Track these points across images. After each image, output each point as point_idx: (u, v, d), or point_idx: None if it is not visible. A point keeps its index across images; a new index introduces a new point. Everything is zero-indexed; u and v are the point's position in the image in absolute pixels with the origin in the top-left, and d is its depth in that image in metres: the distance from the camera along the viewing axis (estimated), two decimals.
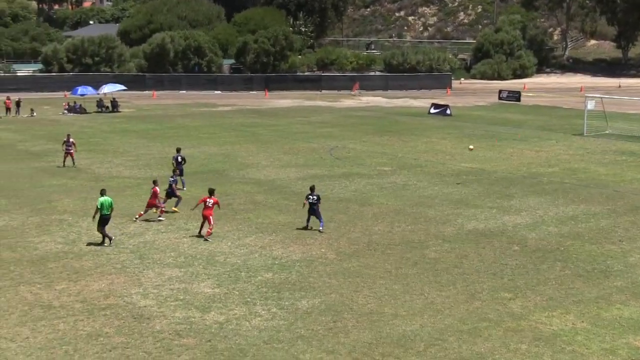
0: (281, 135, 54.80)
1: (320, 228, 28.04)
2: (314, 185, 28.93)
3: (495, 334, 18.59)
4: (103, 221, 25.61)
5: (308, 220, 28.37)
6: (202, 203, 26.98)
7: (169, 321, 18.95)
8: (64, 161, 40.76)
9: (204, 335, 18.13)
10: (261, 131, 57.01)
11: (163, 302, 20.31)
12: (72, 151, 40.77)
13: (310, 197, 28.11)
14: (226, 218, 29.65)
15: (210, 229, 26.86)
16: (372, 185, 36.56)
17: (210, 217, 26.82)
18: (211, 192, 27.31)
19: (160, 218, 29.23)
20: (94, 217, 25.87)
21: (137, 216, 29.12)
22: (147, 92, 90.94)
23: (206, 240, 26.50)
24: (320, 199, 28.40)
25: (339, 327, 18.87)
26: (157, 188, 28.86)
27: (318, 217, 28.15)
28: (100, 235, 25.74)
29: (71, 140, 41.14)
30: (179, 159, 35.31)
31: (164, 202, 29.78)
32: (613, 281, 22.89)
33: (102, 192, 26.11)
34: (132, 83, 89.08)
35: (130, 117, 66.82)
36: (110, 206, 25.73)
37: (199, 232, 27.16)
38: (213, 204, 26.95)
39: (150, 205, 29.03)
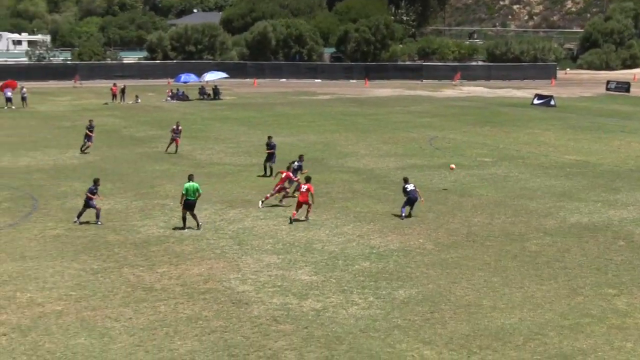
0: (380, 124, 54.67)
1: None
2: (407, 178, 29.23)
3: (599, 331, 18.11)
4: (187, 206, 25.93)
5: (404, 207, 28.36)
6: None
7: (266, 307, 19.18)
8: (168, 147, 41.73)
9: (300, 322, 18.28)
10: (361, 120, 57.02)
11: (261, 288, 20.57)
12: (177, 138, 41.70)
13: (408, 186, 28.18)
14: (324, 206, 29.79)
15: (310, 213, 27.64)
16: (472, 176, 36.11)
17: (307, 202, 27.33)
18: (308, 180, 27.86)
19: (282, 203, 29.55)
20: (180, 202, 26.30)
21: (263, 199, 29.51)
22: (248, 80, 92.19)
23: (307, 219, 27.42)
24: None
25: (436, 318, 18.73)
26: (290, 173, 29.47)
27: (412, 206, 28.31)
28: (182, 219, 26.16)
29: (180, 127, 42.08)
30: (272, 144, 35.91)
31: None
32: None
33: (190, 178, 26.46)
34: (234, 71, 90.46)
35: (231, 104, 67.88)
36: (196, 191, 25.94)
37: (292, 218, 27.47)
38: (307, 190, 27.40)
39: (279, 190, 29.36)
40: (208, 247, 24.11)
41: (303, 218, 27.49)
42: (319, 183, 33.98)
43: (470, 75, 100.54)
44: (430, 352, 16.80)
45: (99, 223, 26.48)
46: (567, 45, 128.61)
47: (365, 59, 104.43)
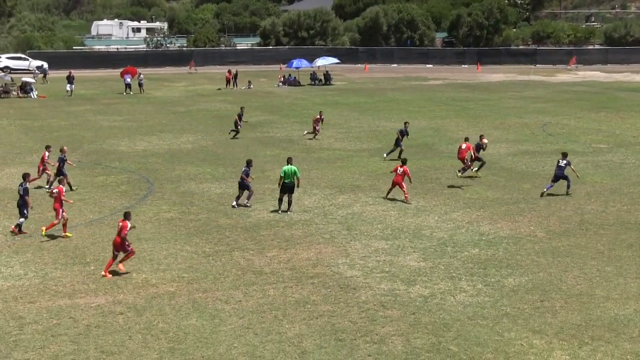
0: (492, 110, 53.80)
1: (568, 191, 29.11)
2: (566, 152, 29.74)
3: None
4: (285, 188, 26.28)
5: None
6: (394, 172, 28.29)
7: (374, 292, 19.19)
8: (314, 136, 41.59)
9: (408, 308, 18.22)
10: (472, 106, 56.25)
11: (369, 273, 20.59)
12: (318, 128, 41.55)
13: (561, 161, 28.86)
14: (434, 192, 29.57)
15: (407, 196, 28.03)
16: (586, 163, 35.12)
17: (401, 183, 27.88)
18: (404, 162, 28.51)
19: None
20: (278, 184, 26.70)
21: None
22: (359, 65, 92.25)
23: (406, 203, 27.82)
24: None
25: (546, 307, 18.34)
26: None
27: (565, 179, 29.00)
28: (278, 201, 26.57)
29: (322, 117, 42.35)
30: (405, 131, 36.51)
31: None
32: None
33: (288, 161, 26.81)
34: (345, 56, 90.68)
35: (342, 89, 68.06)
36: (294, 174, 26.20)
37: (386, 196, 28.32)
38: (402, 172, 27.87)
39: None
40: (317, 232, 24.29)
41: (402, 199, 28.11)
42: (429, 169, 33.79)
43: (587, 59, 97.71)
44: (540, 342, 16.47)
45: (248, 205, 27.09)
46: None
47: (477, 43, 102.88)
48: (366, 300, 18.66)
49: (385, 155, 35.97)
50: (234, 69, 73.88)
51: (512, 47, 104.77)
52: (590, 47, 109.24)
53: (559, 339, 16.59)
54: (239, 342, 16.38)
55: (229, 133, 42.58)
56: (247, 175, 27.18)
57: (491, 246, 22.99)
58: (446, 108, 54.85)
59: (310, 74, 74.35)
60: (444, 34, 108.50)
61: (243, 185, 27.22)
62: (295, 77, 72.97)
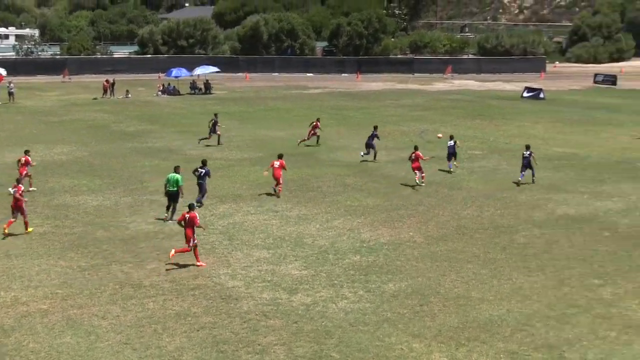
0: (372, 118, 54.59)
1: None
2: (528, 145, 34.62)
3: (584, 321, 18.16)
4: (169, 196, 26.38)
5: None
6: (272, 167, 30.28)
7: (256, 302, 19.15)
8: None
9: (290, 317, 18.26)
10: (352, 114, 56.98)
11: (251, 283, 20.54)
12: (313, 132, 42.29)
13: (525, 153, 32.58)
14: (315, 200, 29.78)
15: (280, 189, 30.16)
16: (462, 169, 36.11)
17: (280, 177, 30.01)
18: (280, 156, 30.62)
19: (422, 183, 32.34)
20: (164, 192, 26.78)
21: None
22: (240, 74, 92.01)
23: (278, 196, 29.87)
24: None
25: (425, 311, 18.74)
26: (419, 153, 32.34)
27: (531, 168, 32.63)
28: (165, 208, 26.85)
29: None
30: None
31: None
32: None
33: (175, 169, 26.83)
34: (226, 65, 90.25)
35: (222, 99, 67.75)
36: (177, 183, 26.18)
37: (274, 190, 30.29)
38: (279, 166, 29.91)
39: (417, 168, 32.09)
40: (198, 243, 24.03)
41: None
42: (310, 177, 34.01)
43: (461, 68, 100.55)
44: (419, 345, 16.82)
45: (199, 205, 27.47)
46: (556, 39, 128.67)
47: (357, 52, 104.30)
48: (248, 310, 18.60)
49: (362, 154, 38.13)
50: (111, 77, 72.38)
51: (390, 57, 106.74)
52: (465, 56, 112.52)
53: (438, 342, 16.98)
54: (117, 358, 16.02)
55: (199, 142, 42.53)
56: (209, 175, 28.41)
57: (372, 253, 23.33)
58: (327, 116, 55.29)
59: (190, 83, 73.67)
60: (325, 43, 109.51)
61: (202, 186, 28.14)
62: (174, 86, 72.15)
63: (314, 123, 42.82)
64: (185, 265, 21.76)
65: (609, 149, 42.17)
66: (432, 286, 20.47)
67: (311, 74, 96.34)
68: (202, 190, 28.36)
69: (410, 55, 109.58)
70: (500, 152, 40.78)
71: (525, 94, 71.16)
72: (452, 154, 35.30)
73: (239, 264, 22.04)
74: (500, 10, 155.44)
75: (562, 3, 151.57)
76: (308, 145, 42.07)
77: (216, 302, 19.11)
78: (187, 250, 21.94)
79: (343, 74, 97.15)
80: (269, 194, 30.50)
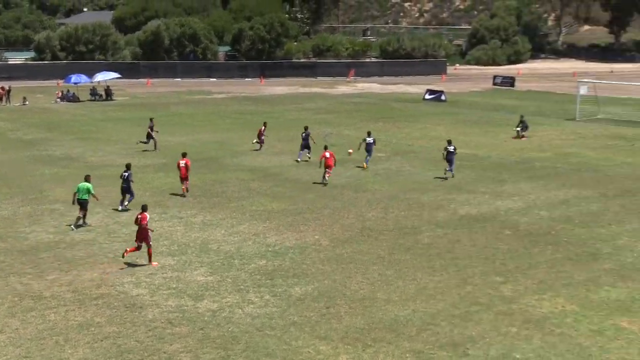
0: (276, 122, 54.66)
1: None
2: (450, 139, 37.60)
3: (487, 318, 18.61)
4: (80, 204, 26.41)
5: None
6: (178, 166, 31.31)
7: (161, 310, 18.91)
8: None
9: (196, 324, 18.10)
10: (256, 118, 56.85)
11: (156, 290, 20.27)
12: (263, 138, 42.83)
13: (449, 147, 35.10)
14: (220, 206, 29.62)
15: (185, 187, 31.17)
16: (366, 172, 36.50)
17: (186, 175, 31.10)
18: (184, 155, 31.57)
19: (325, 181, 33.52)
20: (72, 201, 26.59)
21: (326, 176, 33.54)
22: (141, 80, 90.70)
23: (183, 195, 30.85)
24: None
25: (331, 313, 18.86)
26: (332, 152, 34.08)
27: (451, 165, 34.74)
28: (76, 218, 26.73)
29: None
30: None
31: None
32: (602, 264, 22.97)
33: (85, 178, 26.82)
34: (127, 71, 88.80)
35: (124, 105, 66.67)
36: (88, 191, 26.22)
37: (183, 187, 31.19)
38: (185, 164, 30.95)
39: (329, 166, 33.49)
40: (101, 252, 23.62)
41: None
42: (214, 183, 33.81)
43: (364, 71, 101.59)
44: (326, 347, 16.91)
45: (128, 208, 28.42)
46: (456, 42, 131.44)
47: (260, 57, 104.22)
48: (153, 318, 18.35)
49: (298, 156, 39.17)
50: (6, 84, 70.28)
51: (293, 61, 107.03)
52: (367, 60, 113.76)
53: (344, 344, 17.11)
54: None
55: (137, 143, 42.80)
56: (131, 179, 28.79)
57: (278, 257, 23.34)
58: (230, 121, 55.15)
59: (90, 89, 72.18)
60: (227, 48, 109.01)
61: (127, 190, 28.59)
62: (74, 93, 70.56)
63: (262, 128, 43.28)
64: (88, 275, 21.31)
65: (508, 149, 43.32)
66: (338, 288, 20.61)
67: (214, 79, 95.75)
68: (128, 193, 28.83)
69: (313, 59, 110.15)
70: (403, 154, 41.39)
71: (427, 96, 72.42)
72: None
73: (143, 272, 21.73)
74: (401, 14, 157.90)
75: (461, 7, 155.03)
76: (256, 150, 42.52)
77: (120, 311, 18.79)
78: (135, 250, 22.58)
79: (246, 79, 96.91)
80: (176, 195, 30.21)
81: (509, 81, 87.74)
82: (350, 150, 39.34)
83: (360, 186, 33.37)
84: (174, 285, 20.66)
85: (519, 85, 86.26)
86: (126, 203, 28.77)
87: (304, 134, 39.22)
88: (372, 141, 37.07)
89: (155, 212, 28.39)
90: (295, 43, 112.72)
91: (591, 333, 17.82)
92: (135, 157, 40.11)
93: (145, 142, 42.77)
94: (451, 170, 35.02)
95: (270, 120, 55.34)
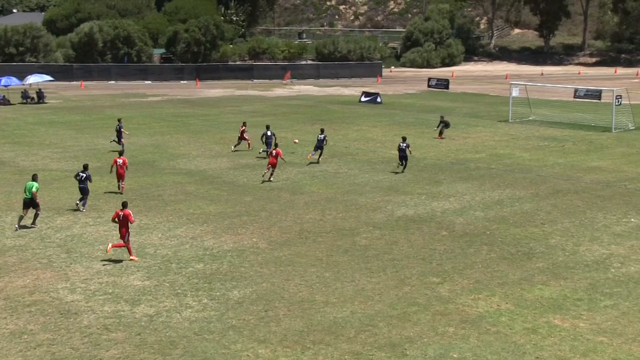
0: (212, 125, 54.39)
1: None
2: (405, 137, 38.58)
3: (424, 318, 18.75)
4: (25, 204, 26.45)
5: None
6: (115, 164, 31.89)
7: (97, 315, 18.60)
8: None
9: (133, 329, 17.85)
10: (192, 121, 56.48)
11: (91, 296, 19.93)
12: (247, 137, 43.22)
13: (402, 144, 37.01)
14: (157, 209, 29.29)
15: (123, 186, 31.83)
16: (303, 174, 36.51)
17: (123, 175, 31.85)
18: (121, 153, 33.43)
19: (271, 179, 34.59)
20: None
21: (265, 172, 34.82)
22: (74, 82, 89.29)
23: (122, 193, 31.37)
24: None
25: (270, 316, 18.79)
26: (279, 150, 34.98)
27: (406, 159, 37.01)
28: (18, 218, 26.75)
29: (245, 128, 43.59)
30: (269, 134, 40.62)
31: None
32: (535, 263, 23.36)
33: (33, 177, 27.04)
34: (59, 73, 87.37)
35: (57, 108, 65.49)
36: (31, 190, 26.21)
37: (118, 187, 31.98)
38: (122, 163, 31.69)
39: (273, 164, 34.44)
40: (33, 257, 23.14)
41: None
42: (150, 186, 33.42)
43: (300, 74, 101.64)
44: (265, 351, 16.84)
45: (83, 210, 28.78)
46: (391, 44, 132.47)
47: (195, 59, 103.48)
48: (89, 324, 18.03)
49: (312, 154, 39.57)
50: None
51: (229, 63, 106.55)
52: (303, 62, 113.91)
53: (283, 346, 17.05)
54: None
55: (111, 142, 43.54)
56: (90, 179, 29.06)
57: (215, 260, 23.18)
58: (166, 124, 54.60)
59: (22, 92, 70.73)
60: (162, 50, 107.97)
61: (85, 190, 28.83)
62: (4, 96, 69.05)
63: (242, 128, 43.58)
64: (20, 282, 20.84)
65: (443, 150, 43.79)
66: (276, 291, 20.55)
67: (149, 82, 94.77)
68: (84, 193, 28.97)
69: (249, 62, 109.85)
70: (340, 156, 41.51)
71: (363, 99, 72.79)
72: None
73: (78, 277, 21.35)
74: (337, 17, 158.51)
75: (396, 10, 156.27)
76: (237, 150, 42.71)
77: (54, 317, 18.42)
78: (122, 245, 22.99)
79: (182, 81, 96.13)
80: (114, 193, 29.76)
81: (444, 83, 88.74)
82: (296, 140, 41.41)
83: (298, 188, 33.37)
84: (110, 290, 20.35)
85: (453, 87, 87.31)
86: (81, 206, 29.04)
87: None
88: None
89: (90, 217, 27.99)
90: (231, 45, 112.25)
91: (525, 331, 18.11)
92: (70, 161, 39.44)
93: (117, 142, 42.51)
94: (402, 164, 37.12)
95: (207, 123, 55.07)
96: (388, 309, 19.36)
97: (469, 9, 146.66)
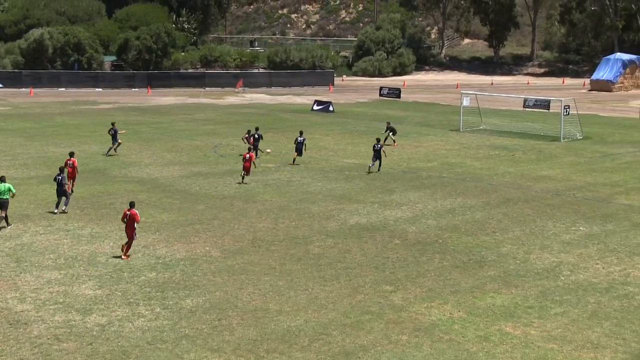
0: (164, 133, 54.01)
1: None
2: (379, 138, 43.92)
3: (377, 327, 18.82)
4: (1, 204, 26.97)
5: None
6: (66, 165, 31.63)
7: (47, 325, 18.32)
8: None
9: (84, 339, 17.62)
10: (144, 129, 56.01)
11: (41, 306, 19.63)
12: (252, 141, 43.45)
13: (376, 146, 39.53)
14: (108, 218, 28.97)
15: (70, 187, 31.16)
16: (256, 182, 36.43)
17: (74, 175, 32.19)
18: (71, 155, 32.88)
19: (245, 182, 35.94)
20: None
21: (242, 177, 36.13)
22: (24, 89, 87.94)
23: (71, 192, 31.00)
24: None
25: (223, 325, 18.71)
26: (253, 154, 36.75)
27: (380, 160, 39.30)
28: None
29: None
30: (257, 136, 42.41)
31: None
32: (487, 271, 23.62)
33: (1, 179, 27.31)
34: (8, 80, 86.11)
35: (5, 115, 64.42)
36: (9, 190, 27.07)
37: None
38: (72, 164, 32.14)
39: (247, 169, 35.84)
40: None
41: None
42: (102, 194, 33.07)
43: (253, 82, 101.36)
44: None
45: (66, 211, 29.39)
46: (343, 53, 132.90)
47: (147, 67, 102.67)
48: (39, 334, 17.76)
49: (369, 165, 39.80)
50: None
51: (181, 71, 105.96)
52: (255, 70, 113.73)
53: (237, 355, 16.99)
54: None
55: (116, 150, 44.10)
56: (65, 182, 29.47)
57: (168, 269, 23.02)
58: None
59: None
60: (113, 57, 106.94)
61: (62, 192, 29.16)
62: None
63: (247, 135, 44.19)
64: None
65: (395, 159, 44.00)
66: (230, 300, 20.48)
67: (100, 89, 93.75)
68: (64, 196, 29.36)
69: (201, 70, 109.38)
70: (292, 165, 41.49)
71: (315, 107, 72.88)
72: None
73: (28, 287, 21.02)
74: (288, 25, 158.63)
75: (347, 19, 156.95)
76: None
77: (3, 327, 18.10)
78: (129, 245, 24.20)
79: (133, 89, 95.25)
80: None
81: (395, 92, 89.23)
82: (269, 150, 42.34)
83: (251, 197, 33.29)
84: (61, 300, 20.07)
85: (404, 96, 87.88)
86: (64, 207, 29.31)
87: (376, 145, 39.85)
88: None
89: (40, 225, 27.60)
90: (182, 53, 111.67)
91: (478, 339, 18.28)
92: (19, 169, 38.83)
93: (112, 145, 44.10)
94: (373, 164, 39.40)
95: (159, 131, 54.67)
96: (342, 317, 19.40)
97: (420, 19, 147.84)
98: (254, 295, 20.87)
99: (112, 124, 45.07)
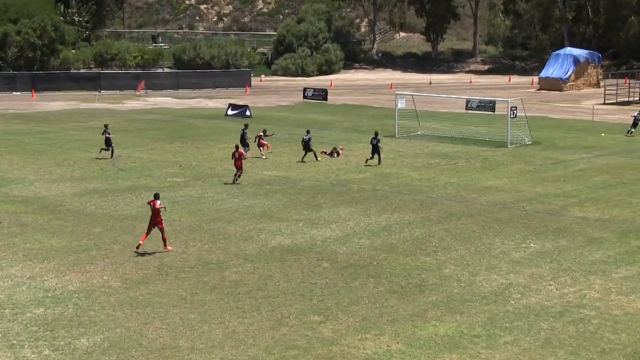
0: (53, 144, 53.22)
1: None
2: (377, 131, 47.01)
3: None
4: None
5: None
6: None
7: None
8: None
9: None
10: (28, 139, 55.11)
11: None
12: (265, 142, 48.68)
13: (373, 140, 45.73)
14: None
15: None
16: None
17: None
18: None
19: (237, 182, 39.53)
20: None
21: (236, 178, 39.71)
22: None
23: None
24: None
25: None
26: (242, 151, 41.13)
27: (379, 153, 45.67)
28: None
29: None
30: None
31: None
32: (428, 296, 23.87)
33: None
34: None
35: None
36: None
37: None
38: None
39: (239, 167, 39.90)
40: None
41: None
42: None
43: (157, 84, 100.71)
44: None
45: None
46: (260, 50, 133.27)
47: (31, 67, 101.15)
48: None
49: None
50: None
51: (72, 71, 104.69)
52: (160, 70, 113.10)
53: None
54: None
55: (100, 152, 47.05)
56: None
57: (59, 303, 22.67)
58: None
59: None
60: None
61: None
62: None
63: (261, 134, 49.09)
64: None
65: (323, 170, 44.25)
66: (133, 337, 20.26)
67: None
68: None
69: (95, 70, 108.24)
70: (204, 179, 41.36)
71: (230, 112, 72.83)
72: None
73: None
74: (197, 18, 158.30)
75: (265, 10, 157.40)
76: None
77: None
78: (146, 237, 27.93)
79: (15, 92, 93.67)
80: None
81: (321, 94, 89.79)
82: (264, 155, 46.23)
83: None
84: None
85: (332, 98, 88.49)
86: None
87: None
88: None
89: None
90: (73, 51, 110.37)
91: None
92: None
93: (106, 150, 47.11)
94: (372, 157, 45.60)
95: (46, 142, 53.85)
96: (264, 353, 19.36)
97: (348, 10, 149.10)
98: (161, 331, 20.68)
99: (105, 126, 48.85)
